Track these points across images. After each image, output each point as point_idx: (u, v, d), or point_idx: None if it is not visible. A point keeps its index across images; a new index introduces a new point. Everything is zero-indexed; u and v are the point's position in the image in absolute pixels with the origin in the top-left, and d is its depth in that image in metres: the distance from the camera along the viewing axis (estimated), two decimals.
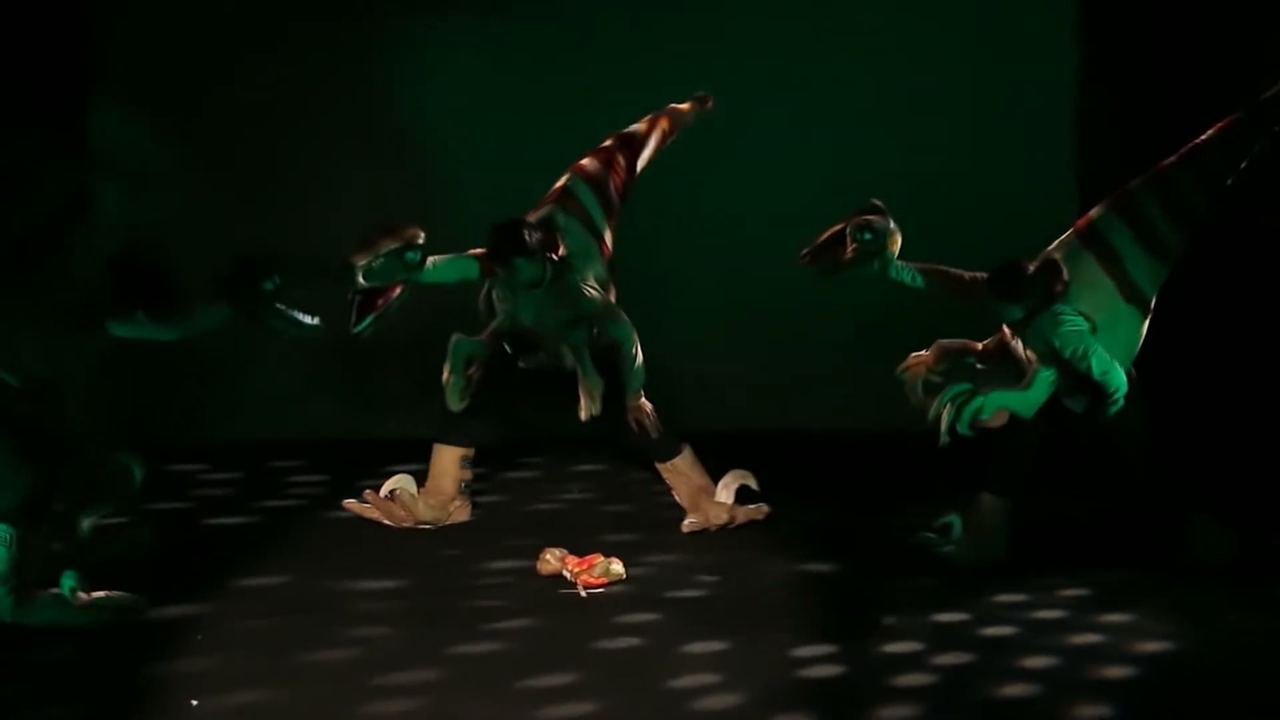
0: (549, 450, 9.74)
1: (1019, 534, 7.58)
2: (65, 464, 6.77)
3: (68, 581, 6.64)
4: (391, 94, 10.26)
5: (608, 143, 8.40)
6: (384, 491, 8.18)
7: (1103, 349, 7.20)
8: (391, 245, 7.55)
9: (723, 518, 8.11)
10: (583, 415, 7.93)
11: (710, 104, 8.73)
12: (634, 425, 8.03)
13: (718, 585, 7.36)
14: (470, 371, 7.99)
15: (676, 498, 8.27)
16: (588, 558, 7.41)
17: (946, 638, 6.63)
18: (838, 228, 7.53)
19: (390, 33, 10.27)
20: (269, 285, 6.90)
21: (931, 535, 7.70)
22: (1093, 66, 10.34)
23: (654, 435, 8.11)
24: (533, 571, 7.45)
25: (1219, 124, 7.56)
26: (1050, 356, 7.26)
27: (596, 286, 7.92)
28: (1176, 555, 7.44)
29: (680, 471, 8.22)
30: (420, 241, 7.61)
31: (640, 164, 8.46)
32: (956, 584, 7.27)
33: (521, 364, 8.07)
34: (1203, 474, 8.19)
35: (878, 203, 7.55)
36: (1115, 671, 6.26)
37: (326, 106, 10.23)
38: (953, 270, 7.57)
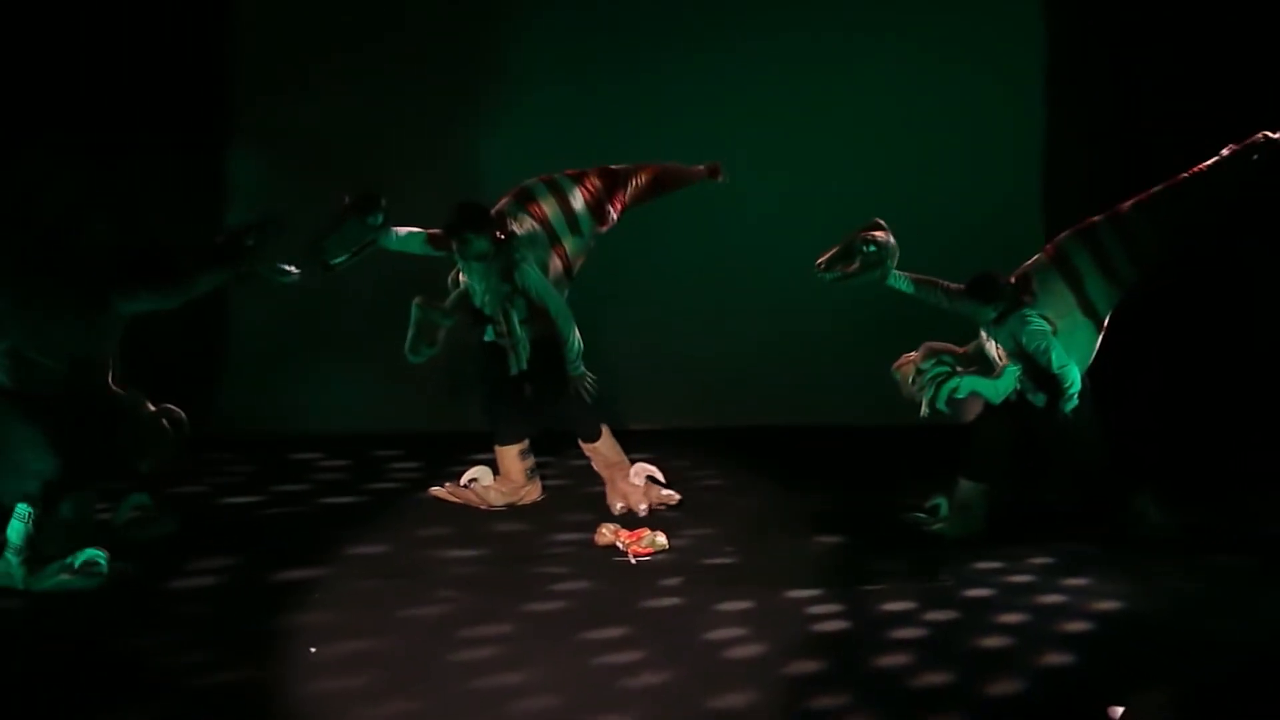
0: None
1: (995, 513, 7.59)
2: (101, 434, 6.72)
3: (87, 554, 6.61)
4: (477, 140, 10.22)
5: (590, 169, 8.22)
6: (463, 481, 8.14)
7: (1062, 348, 7.23)
8: (352, 216, 7.57)
9: (641, 504, 7.97)
10: (513, 369, 7.81)
11: (720, 176, 8.46)
12: (575, 393, 7.85)
13: (744, 555, 7.36)
14: (436, 335, 7.86)
15: (595, 468, 8.19)
16: (637, 531, 7.45)
17: (935, 598, 6.66)
18: (846, 241, 7.45)
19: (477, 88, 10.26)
20: (250, 241, 6.93)
21: (922, 515, 7.72)
22: (1059, 115, 10.24)
23: (588, 406, 7.94)
24: (591, 543, 7.47)
25: (1170, 180, 7.53)
26: (1018, 353, 7.28)
27: (535, 266, 7.75)
28: (1126, 531, 7.47)
29: (599, 451, 8.09)
30: (379, 206, 7.62)
31: (626, 199, 8.24)
32: (943, 554, 7.28)
33: (486, 339, 7.92)
34: (1152, 467, 8.21)
35: (880, 221, 7.47)
36: (1076, 626, 6.31)
37: (425, 141, 10.20)
38: (939, 280, 7.55)
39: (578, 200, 8.05)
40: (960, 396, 7.28)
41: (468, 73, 10.16)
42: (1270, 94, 9.66)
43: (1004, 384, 7.32)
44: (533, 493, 8.21)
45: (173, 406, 7.08)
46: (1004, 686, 5.65)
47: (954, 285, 7.48)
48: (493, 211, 7.83)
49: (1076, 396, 7.26)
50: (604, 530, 7.48)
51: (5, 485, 6.54)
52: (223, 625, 6.27)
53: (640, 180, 8.29)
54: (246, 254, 6.95)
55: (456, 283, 7.97)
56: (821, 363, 10.11)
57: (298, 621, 6.27)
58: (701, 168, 8.41)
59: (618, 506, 7.98)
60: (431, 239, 7.84)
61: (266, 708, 5.37)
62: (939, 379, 7.27)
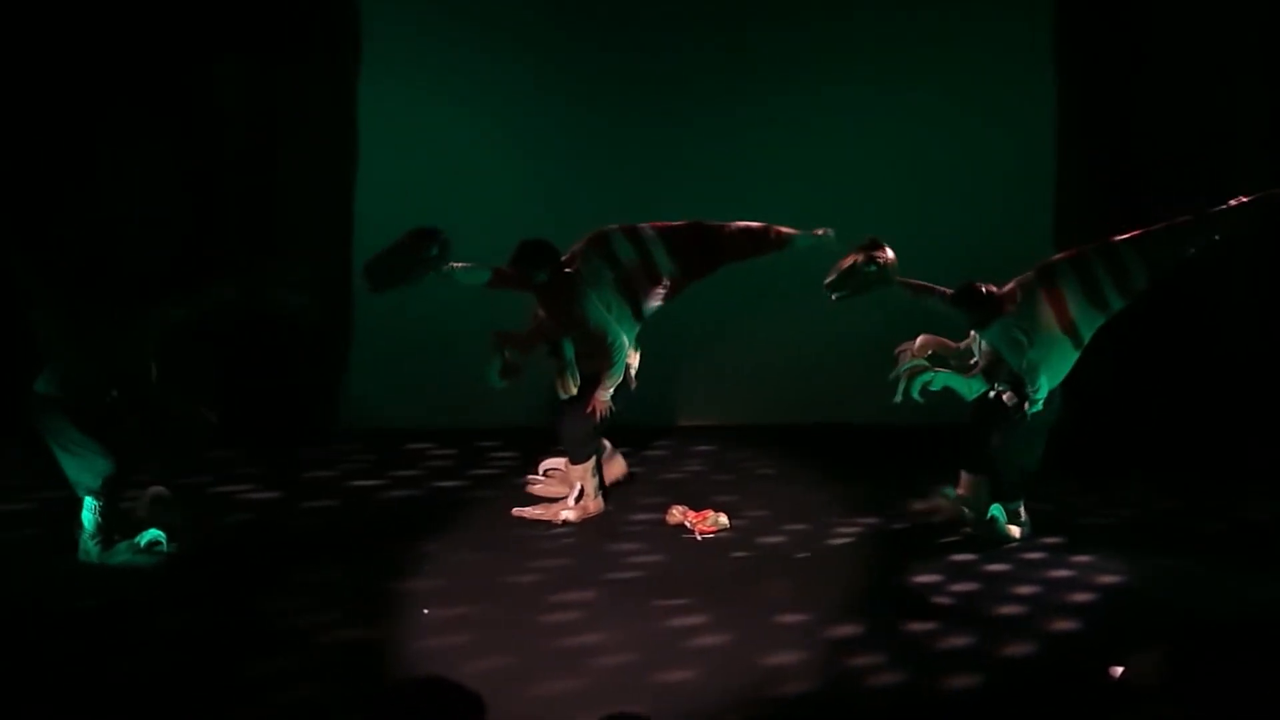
0: (674, 435, 9.77)
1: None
2: (140, 433, 6.64)
3: (151, 534, 6.64)
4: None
5: (680, 223, 7.78)
6: (542, 469, 8.02)
7: (1034, 358, 6.87)
8: (412, 242, 7.16)
9: (560, 516, 7.49)
10: (562, 395, 7.45)
11: (827, 234, 7.67)
12: (591, 409, 7.39)
13: (795, 533, 7.36)
14: (510, 358, 7.47)
15: (557, 481, 7.85)
16: (702, 512, 7.44)
17: (959, 571, 6.68)
18: (849, 261, 7.17)
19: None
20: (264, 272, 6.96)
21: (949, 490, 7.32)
22: (1068, 158, 10.09)
23: (592, 428, 7.49)
24: (662, 521, 7.47)
25: (1169, 221, 7.11)
26: (996, 355, 7.01)
27: (594, 300, 7.38)
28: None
29: (572, 474, 7.61)
30: (439, 240, 7.16)
31: (720, 255, 7.76)
32: (966, 533, 7.20)
33: (550, 355, 7.58)
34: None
35: (877, 239, 7.20)
36: (1081, 596, 6.33)
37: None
38: (935, 286, 7.25)
39: (659, 249, 7.64)
40: (935, 389, 6.98)
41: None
42: (1272, 141, 9.59)
43: (977, 382, 7.04)
44: (617, 468, 7.98)
45: (198, 412, 6.89)
46: (1018, 648, 5.67)
47: (948, 291, 7.17)
48: (568, 253, 7.51)
49: (1041, 403, 6.91)
50: (674, 511, 7.48)
51: (75, 478, 6.58)
52: (347, 589, 6.32)
53: (735, 238, 7.76)
54: (256, 279, 6.92)
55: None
56: (867, 366, 10.02)
57: (412, 586, 6.33)
58: (801, 232, 7.79)
59: (535, 513, 7.57)
60: (496, 273, 7.51)
61: (384, 661, 5.43)
62: (916, 370, 7.05)
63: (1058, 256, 7.28)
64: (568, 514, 7.49)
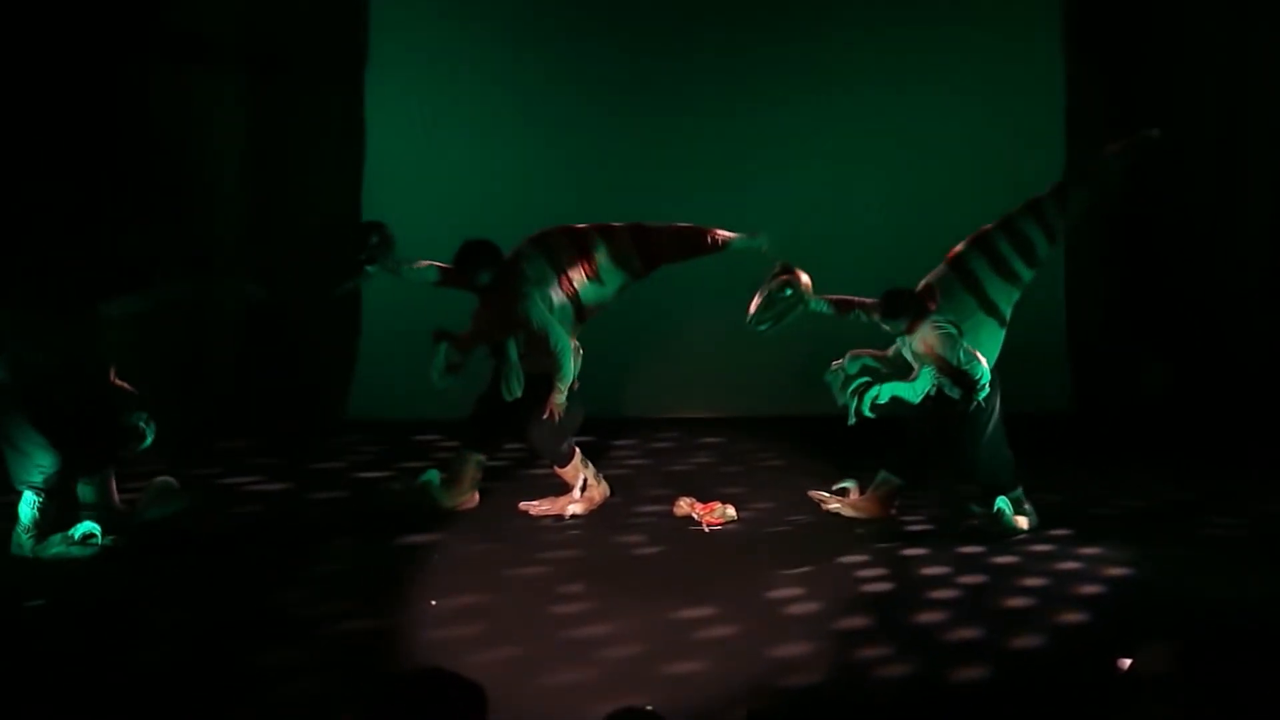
0: (681, 428, 9.75)
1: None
2: (85, 431, 6.62)
3: (85, 527, 6.58)
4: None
5: (618, 224, 7.56)
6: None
7: (968, 346, 6.88)
8: (360, 229, 7.23)
9: (567, 511, 7.46)
10: (506, 396, 7.27)
11: (765, 247, 7.54)
12: (547, 412, 7.24)
13: (802, 525, 7.34)
14: (455, 361, 7.36)
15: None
16: (710, 504, 7.42)
17: (967, 563, 6.64)
18: (764, 292, 7.11)
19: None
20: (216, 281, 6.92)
21: (977, 508, 7.22)
22: (1074, 145, 10.09)
23: (557, 429, 7.33)
24: (669, 513, 7.46)
25: (1054, 184, 7.35)
26: (931, 355, 6.96)
27: (538, 301, 7.21)
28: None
29: (564, 474, 7.49)
30: (380, 231, 7.20)
31: (658, 256, 7.59)
32: (972, 526, 7.16)
33: (490, 355, 7.47)
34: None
35: (787, 264, 7.13)
36: (1089, 589, 6.28)
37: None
38: (855, 298, 7.20)
39: (600, 250, 7.47)
40: (882, 401, 6.95)
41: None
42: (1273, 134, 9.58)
43: (920, 384, 6.97)
44: (471, 501, 7.63)
45: (139, 414, 6.77)
46: (1026, 641, 5.63)
47: (869, 300, 7.11)
48: (510, 253, 7.36)
49: (987, 386, 6.92)
50: (681, 503, 7.46)
51: (18, 474, 6.58)
52: (352, 580, 6.31)
53: (673, 240, 7.63)
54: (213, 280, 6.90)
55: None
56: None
57: (418, 578, 6.31)
58: (737, 235, 7.67)
59: (536, 509, 7.53)
60: (443, 272, 7.43)
61: (391, 652, 5.41)
62: (861, 389, 6.97)
63: (962, 244, 7.22)
64: (574, 508, 7.46)
